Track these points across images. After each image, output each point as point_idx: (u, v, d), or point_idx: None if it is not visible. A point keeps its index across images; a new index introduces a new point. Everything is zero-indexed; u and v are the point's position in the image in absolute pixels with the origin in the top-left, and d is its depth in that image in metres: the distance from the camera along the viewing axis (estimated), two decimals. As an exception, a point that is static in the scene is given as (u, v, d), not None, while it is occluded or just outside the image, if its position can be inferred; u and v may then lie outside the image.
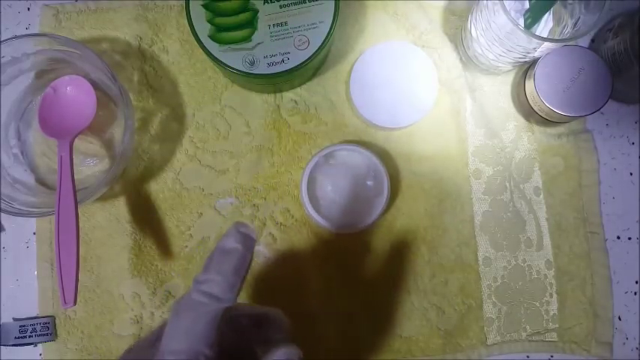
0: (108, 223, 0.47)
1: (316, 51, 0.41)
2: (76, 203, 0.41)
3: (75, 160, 0.44)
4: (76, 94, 0.46)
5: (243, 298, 0.46)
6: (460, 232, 0.48)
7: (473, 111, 0.49)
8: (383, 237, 0.47)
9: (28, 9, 0.51)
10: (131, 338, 0.46)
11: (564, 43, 0.43)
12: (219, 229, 0.47)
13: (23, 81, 0.47)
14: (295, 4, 0.42)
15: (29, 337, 0.46)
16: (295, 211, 0.47)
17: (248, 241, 0.27)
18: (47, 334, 0.46)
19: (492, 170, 0.49)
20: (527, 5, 0.43)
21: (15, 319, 0.47)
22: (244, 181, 0.48)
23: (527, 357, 0.47)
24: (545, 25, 0.44)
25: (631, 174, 0.49)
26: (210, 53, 0.42)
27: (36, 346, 0.47)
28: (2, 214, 0.44)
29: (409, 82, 0.47)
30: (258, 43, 0.42)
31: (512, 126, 0.49)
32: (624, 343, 0.47)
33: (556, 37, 0.43)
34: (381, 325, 0.47)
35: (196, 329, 0.25)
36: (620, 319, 0.47)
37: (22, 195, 0.46)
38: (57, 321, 0.47)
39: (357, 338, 0.46)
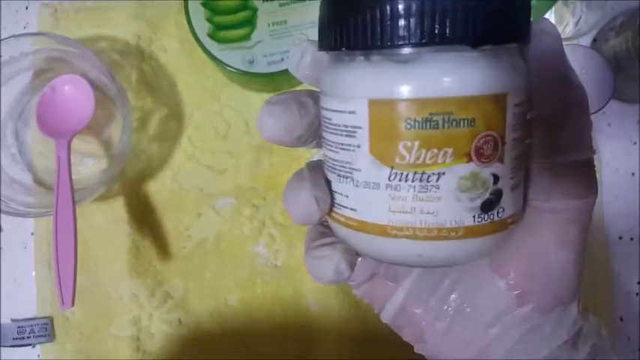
0: (106, 224, 0.47)
1: (316, 50, 0.41)
2: (74, 203, 0.41)
3: (73, 160, 0.43)
4: (74, 94, 0.45)
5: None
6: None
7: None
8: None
9: (27, 8, 0.50)
10: (129, 339, 0.46)
11: (566, 42, 0.43)
12: (218, 230, 0.47)
13: (21, 80, 0.47)
14: (295, 2, 0.41)
15: (27, 338, 0.46)
16: (295, 211, 0.47)
17: None
18: (45, 335, 0.46)
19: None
20: (528, 4, 0.43)
21: (13, 320, 0.46)
22: (244, 181, 0.47)
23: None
24: (547, 23, 0.44)
25: (633, 174, 0.49)
26: (210, 52, 0.41)
27: (34, 347, 0.46)
28: (0, 214, 0.44)
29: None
30: (258, 42, 0.41)
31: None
32: (626, 345, 0.47)
33: (558, 36, 0.43)
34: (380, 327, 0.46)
35: None
36: (621, 319, 0.47)
37: (20, 195, 0.45)
38: (55, 322, 0.46)
39: (357, 339, 0.46)
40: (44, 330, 0.46)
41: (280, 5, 0.41)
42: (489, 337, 0.22)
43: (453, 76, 0.17)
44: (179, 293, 0.47)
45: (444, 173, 0.17)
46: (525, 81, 0.18)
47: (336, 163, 0.19)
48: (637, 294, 0.48)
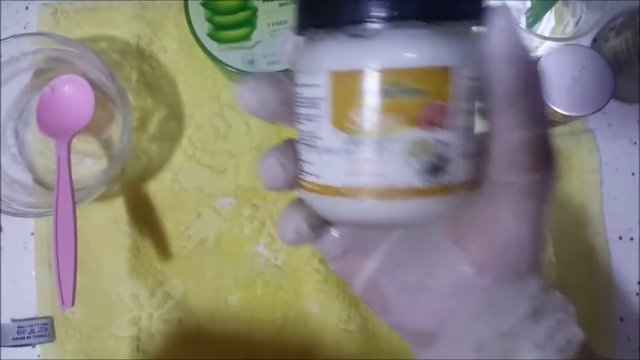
0: (106, 224, 0.47)
1: (316, 50, 0.41)
2: (74, 203, 0.41)
3: (73, 160, 0.44)
4: (74, 94, 0.46)
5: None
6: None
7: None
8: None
9: (27, 8, 0.50)
10: (129, 339, 0.46)
11: (566, 42, 0.43)
12: (218, 230, 0.47)
13: (21, 80, 0.47)
14: (295, 1, 0.41)
15: (27, 338, 0.46)
16: (295, 211, 0.47)
17: None
18: (45, 335, 0.46)
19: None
20: (528, 4, 0.43)
21: (13, 320, 0.47)
22: (244, 181, 0.48)
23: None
24: (547, 24, 0.44)
25: (633, 174, 0.49)
26: (210, 52, 0.41)
27: (34, 347, 0.46)
28: (0, 214, 0.44)
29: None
30: (258, 42, 0.41)
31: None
32: (626, 344, 0.47)
33: (557, 36, 0.43)
34: (380, 327, 0.46)
35: None
36: (621, 319, 0.47)
37: (20, 195, 0.45)
38: (55, 322, 0.46)
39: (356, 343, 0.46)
40: (44, 330, 0.46)
41: (280, 5, 0.41)
42: (451, 309, 0.23)
43: (407, 50, 0.18)
44: (179, 293, 0.47)
45: (395, 139, 0.19)
46: (477, 57, 0.19)
47: (304, 134, 0.21)
48: (637, 294, 0.48)
